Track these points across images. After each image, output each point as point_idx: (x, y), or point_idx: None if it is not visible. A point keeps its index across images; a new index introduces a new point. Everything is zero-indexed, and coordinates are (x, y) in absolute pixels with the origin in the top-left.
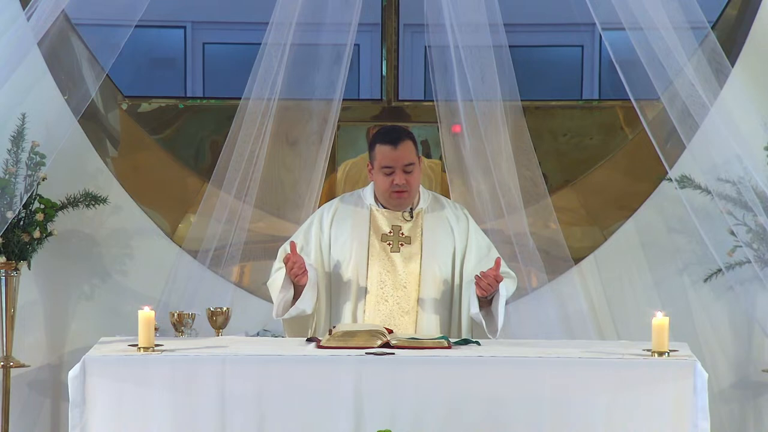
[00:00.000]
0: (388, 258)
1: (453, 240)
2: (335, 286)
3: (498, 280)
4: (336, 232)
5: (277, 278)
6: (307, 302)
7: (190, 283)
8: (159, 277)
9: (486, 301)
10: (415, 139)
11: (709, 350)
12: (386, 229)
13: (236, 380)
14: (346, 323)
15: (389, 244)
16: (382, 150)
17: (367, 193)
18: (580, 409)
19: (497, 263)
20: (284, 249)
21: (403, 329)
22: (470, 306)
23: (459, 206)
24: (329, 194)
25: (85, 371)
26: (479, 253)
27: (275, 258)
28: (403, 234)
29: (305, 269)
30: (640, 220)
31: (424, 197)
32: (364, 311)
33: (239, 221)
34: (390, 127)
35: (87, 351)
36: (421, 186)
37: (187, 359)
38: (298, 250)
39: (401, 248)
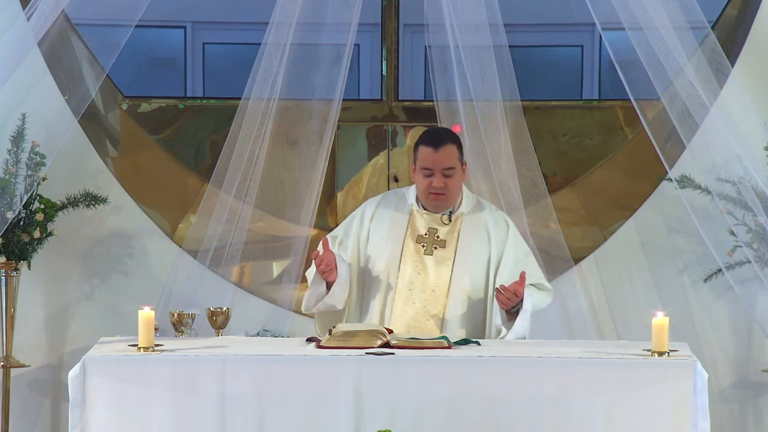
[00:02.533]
0: (420, 260)
1: (489, 247)
2: (367, 281)
3: (517, 294)
4: (375, 228)
5: (311, 272)
6: (336, 298)
7: (190, 283)
8: (159, 277)
9: (513, 313)
10: (460, 144)
11: (709, 350)
12: (423, 231)
13: (236, 380)
14: (346, 323)
15: (423, 246)
16: (423, 151)
17: (411, 192)
18: (580, 409)
19: (522, 277)
20: (321, 244)
21: (429, 333)
22: (495, 317)
23: (501, 212)
24: (330, 196)
25: (85, 371)
26: (514, 261)
27: (275, 258)
28: (438, 237)
29: (333, 267)
30: (640, 220)
31: (467, 201)
32: (392, 310)
33: (239, 221)
34: (436, 129)
35: (87, 351)
36: (465, 190)
37: (187, 359)
38: (337, 243)
39: (435, 251)
